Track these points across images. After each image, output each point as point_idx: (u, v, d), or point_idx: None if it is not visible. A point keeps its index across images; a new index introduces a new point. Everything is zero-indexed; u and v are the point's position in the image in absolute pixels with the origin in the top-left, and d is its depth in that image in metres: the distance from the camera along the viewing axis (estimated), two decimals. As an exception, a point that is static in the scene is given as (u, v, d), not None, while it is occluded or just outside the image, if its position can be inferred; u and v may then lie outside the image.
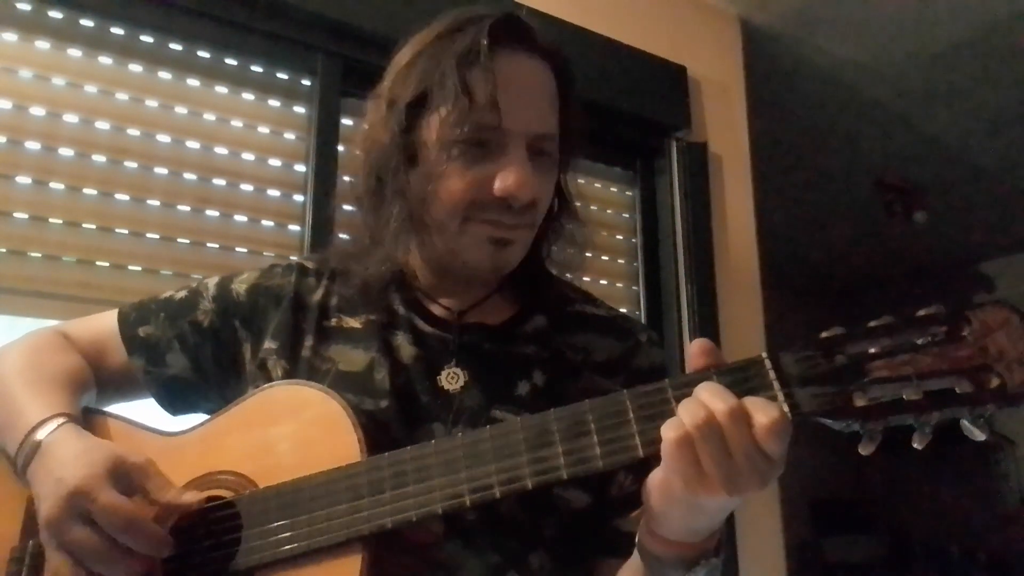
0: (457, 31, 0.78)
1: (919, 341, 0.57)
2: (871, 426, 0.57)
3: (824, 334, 0.60)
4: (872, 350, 0.58)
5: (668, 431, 0.58)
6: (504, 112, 0.74)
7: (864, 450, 0.58)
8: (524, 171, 0.75)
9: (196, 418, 0.83)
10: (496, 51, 0.76)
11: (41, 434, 0.73)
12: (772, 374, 0.59)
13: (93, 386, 0.86)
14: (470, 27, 0.78)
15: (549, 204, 0.84)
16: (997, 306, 0.56)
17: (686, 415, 0.58)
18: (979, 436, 0.56)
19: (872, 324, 0.59)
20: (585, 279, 2.04)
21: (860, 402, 0.57)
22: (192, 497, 0.72)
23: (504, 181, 0.75)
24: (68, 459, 0.70)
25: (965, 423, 0.56)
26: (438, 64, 0.77)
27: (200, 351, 0.87)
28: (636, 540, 0.68)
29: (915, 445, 0.57)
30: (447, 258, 0.82)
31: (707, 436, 0.56)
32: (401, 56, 0.83)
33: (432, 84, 0.77)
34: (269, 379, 0.81)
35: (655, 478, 0.62)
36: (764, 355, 0.60)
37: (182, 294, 0.90)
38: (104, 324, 0.90)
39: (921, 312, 0.58)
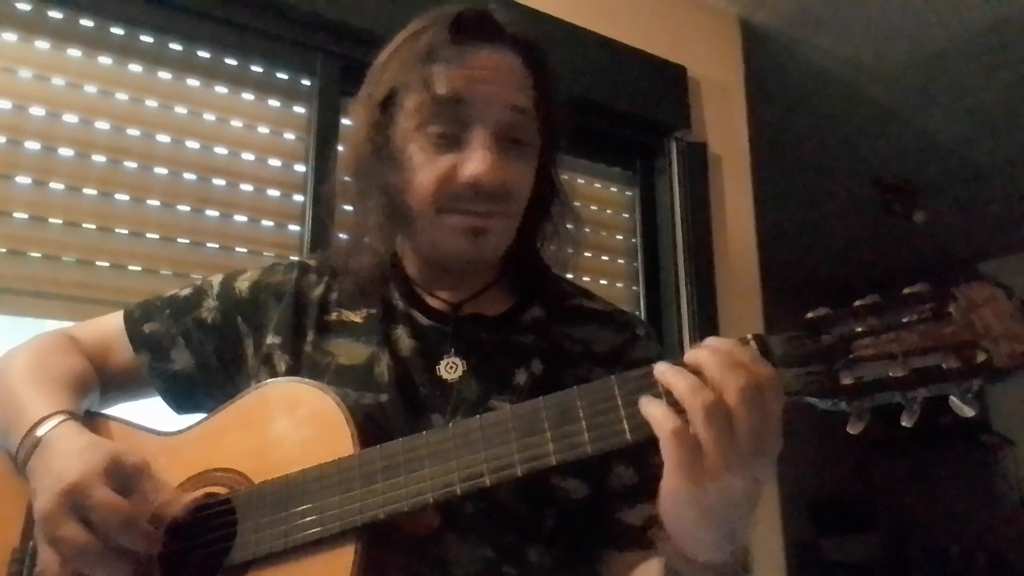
0: (424, 29, 0.81)
1: (905, 319, 0.57)
2: (858, 404, 0.57)
3: (810, 314, 0.60)
4: (858, 329, 0.58)
5: (650, 407, 0.58)
6: (467, 102, 0.76)
7: (852, 429, 0.58)
8: (488, 157, 0.76)
9: (193, 418, 0.84)
10: (458, 44, 0.78)
11: (42, 430, 0.74)
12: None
13: (96, 388, 0.87)
14: (435, 24, 0.80)
15: (531, 193, 0.84)
16: (982, 282, 0.56)
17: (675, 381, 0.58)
18: (967, 412, 0.56)
19: (858, 303, 0.59)
20: (585, 279, 2.05)
21: (847, 380, 0.57)
22: (186, 499, 0.72)
23: (469, 168, 0.76)
24: (67, 455, 0.70)
25: (953, 399, 0.56)
26: (405, 62, 0.80)
27: (204, 347, 0.88)
28: (664, 566, 0.66)
29: (903, 423, 0.57)
30: (429, 250, 0.84)
31: (696, 388, 0.56)
32: (379, 58, 0.85)
33: (400, 82, 0.80)
34: (273, 373, 0.83)
35: (661, 488, 0.60)
36: (750, 336, 0.60)
37: (186, 292, 0.92)
38: (110, 324, 0.92)
39: (907, 290, 0.58)
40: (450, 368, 0.81)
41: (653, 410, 0.58)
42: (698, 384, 0.56)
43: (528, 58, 0.82)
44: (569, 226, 0.90)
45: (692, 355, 0.58)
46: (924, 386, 0.56)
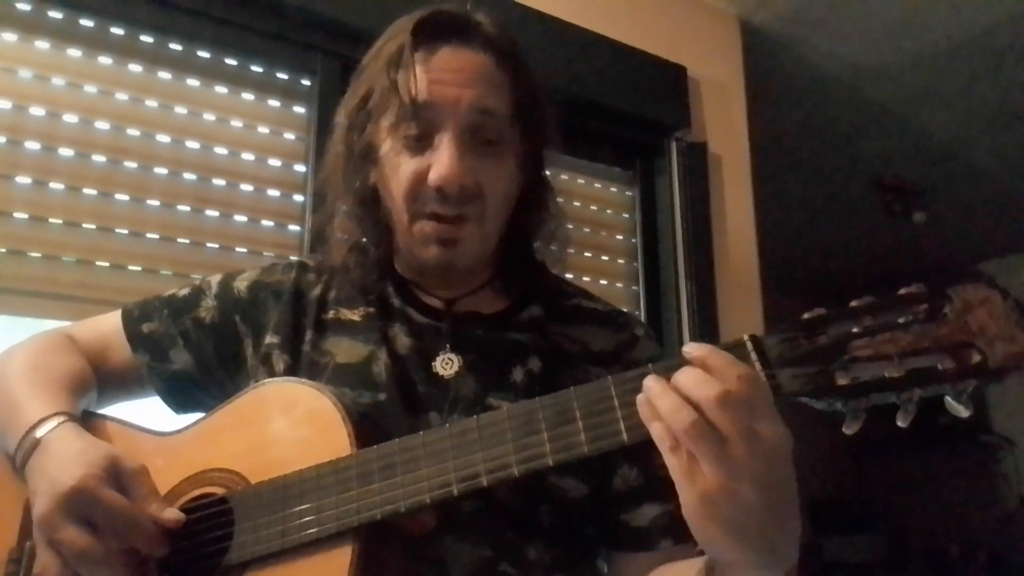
0: (398, 32, 0.81)
1: (901, 320, 0.57)
2: (854, 405, 0.58)
3: (806, 315, 0.60)
4: (854, 330, 0.58)
5: (650, 423, 0.57)
6: (433, 105, 0.77)
7: (848, 429, 0.58)
8: (451, 157, 0.76)
9: (190, 418, 0.83)
10: (423, 47, 0.78)
11: (41, 431, 0.74)
12: (754, 356, 0.59)
13: (94, 388, 0.87)
14: (406, 27, 0.80)
15: (518, 193, 0.84)
16: (977, 284, 0.57)
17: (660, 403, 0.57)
18: (963, 413, 0.56)
19: (854, 304, 0.59)
20: (585, 279, 2.05)
21: (842, 381, 0.57)
22: (172, 515, 0.71)
23: (433, 171, 0.76)
24: (65, 457, 0.70)
25: (948, 400, 0.56)
26: (378, 67, 0.81)
27: (203, 347, 0.88)
28: None
29: (899, 423, 0.57)
30: (408, 255, 0.84)
31: (676, 409, 0.55)
32: (363, 61, 0.86)
33: (373, 86, 0.81)
34: (272, 372, 0.83)
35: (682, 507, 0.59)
36: (746, 337, 0.61)
37: (185, 292, 0.92)
38: (108, 323, 0.91)
39: (902, 291, 0.59)
40: (446, 364, 0.81)
41: (651, 425, 0.57)
42: (678, 404, 0.56)
43: (502, 58, 0.82)
44: (564, 224, 0.90)
45: (675, 376, 0.58)
46: (919, 387, 0.56)
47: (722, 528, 0.56)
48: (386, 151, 0.80)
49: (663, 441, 0.56)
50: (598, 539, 0.81)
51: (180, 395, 0.89)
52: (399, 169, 0.79)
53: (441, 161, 0.76)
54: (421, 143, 0.78)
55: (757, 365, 0.59)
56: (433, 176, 0.76)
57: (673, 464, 0.56)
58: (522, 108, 0.82)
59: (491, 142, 0.79)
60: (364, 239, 0.86)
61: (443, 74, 0.78)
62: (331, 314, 0.86)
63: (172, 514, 0.71)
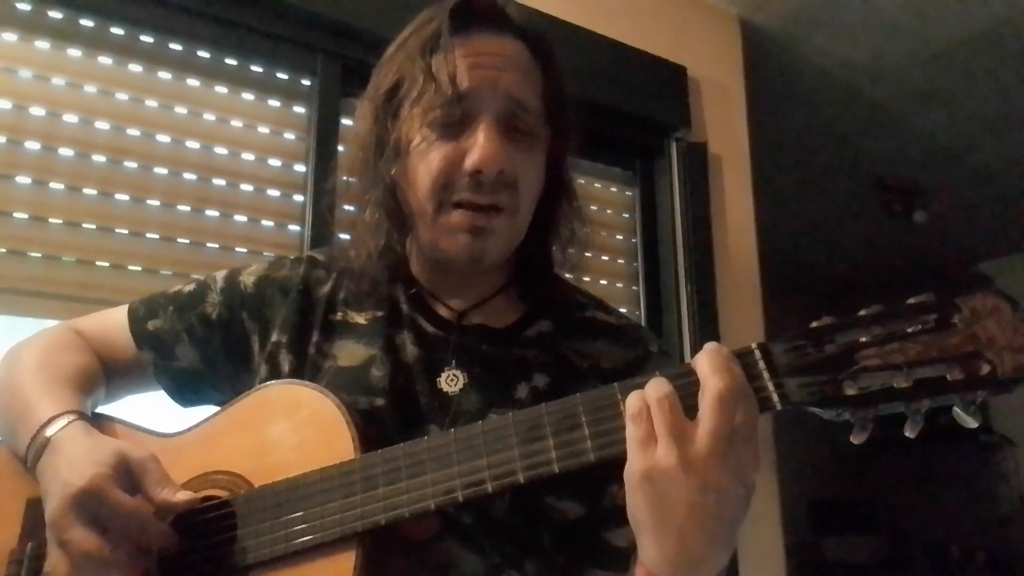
0: (429, 20, 0.80)
1: (909, 329, 0.57)
2: (862, 415, 0.57)
3: (814, 324, 0.60)
4: (862, 339, 0.58)
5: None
6: (470, 90, 0.75)
7: (856, 439, 0.58)
8: (490, 141, 0.75)
9: (193, 419, 0.83)
10: (458, 32, 0.77)
11: (51, 431, 0.74)
12: (762, 364, 0.59)
13: (103, 384, 0.87)
14: (439, 14, 0.79)
15: (537, 191, 0.83)
16: (986, 294, 0.56)
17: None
18: (971, 423, 0.56)
19: (862, 313, 0.59)
20: (585, 279, 2.04)
21: (850, 391, 0.57)
22: (185, 496, 0.70)
23: (471, 155, 0.75)
24: (75, 457, 0.70)
25: (957, 410, 0.56)
26: (409, 54, 0.79)
27: (209, 343, 0.87)
28: None
29: (907, 433, 0.57)
30: (431, 251, 0.82)
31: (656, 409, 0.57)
32: (386, 53, 0.85)
33: (404, 74, 0.79)
34: (277, 371, 0.82)
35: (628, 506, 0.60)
36: (754, 346, 0.60)
37: (190, 288, 0.91)
38: (115, 319, 0.91)
39: (911, 300, 0.58)
40: (451, 380, 0.79)
41: (629, 398, 0.59)
42: (661, 382, 0.58)
43: (535, 50, 0.81)
44: (584, 229, 0.89)
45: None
46: (928, 397, 0.56)
47: (650, 510, 0.56)
48: (415, 138, 0.78)
49: (632, 408, 0.57)
50: (585, 557, 0.80)
51: (187, 391, 0.89)
52: (429, 155, 0.76)
53: (480, 145, 0.74)
54: (455, 128, 0.76)
55: (766, 374, 0.59)
56: (471, 160, 0.74)
57: (631, 431, 0.57)
58: (552, 103, 0.82)
59: (524, 133, 0.78)
60: (383, 239, 0.84)
61: (481, 58, 0.77)
62: (339, 315, 0.85)
63: (183, 496, 0.70)
